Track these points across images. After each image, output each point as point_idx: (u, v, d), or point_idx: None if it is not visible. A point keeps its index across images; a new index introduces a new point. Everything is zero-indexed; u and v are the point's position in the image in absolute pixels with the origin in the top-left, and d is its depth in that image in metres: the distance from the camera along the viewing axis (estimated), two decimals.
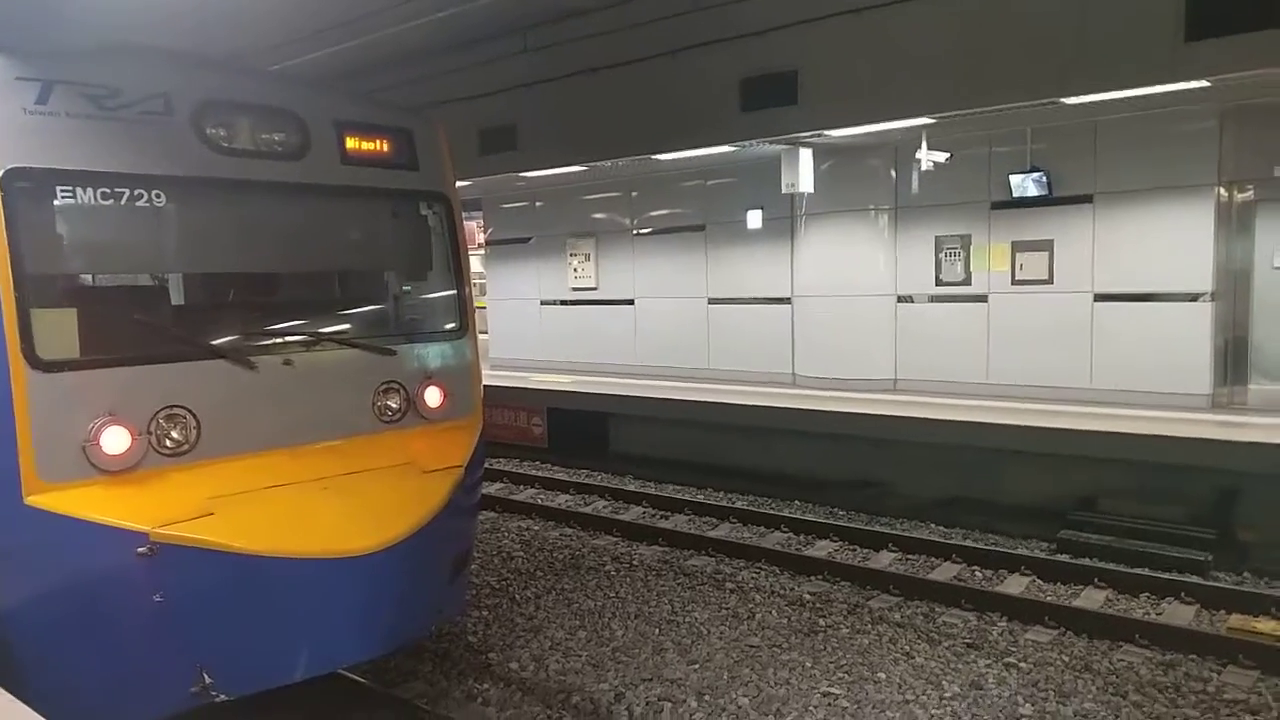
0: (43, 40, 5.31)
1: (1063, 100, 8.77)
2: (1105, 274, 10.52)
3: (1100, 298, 10.57)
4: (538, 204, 16.64)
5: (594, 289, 15.75)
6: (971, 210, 11.40)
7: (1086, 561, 8.39)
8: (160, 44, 5.58)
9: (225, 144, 5.24)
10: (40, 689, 3.15)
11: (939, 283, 11.76)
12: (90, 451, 4.57)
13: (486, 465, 6.88)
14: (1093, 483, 9.16)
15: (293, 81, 7.51)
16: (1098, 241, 10.54)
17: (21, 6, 8.20)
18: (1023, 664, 6.60)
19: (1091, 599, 7.74)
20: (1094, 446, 8.96)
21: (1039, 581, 8.19)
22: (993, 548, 8.96)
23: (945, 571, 8.51)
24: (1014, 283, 11.15)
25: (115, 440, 4.63)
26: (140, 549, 4.47)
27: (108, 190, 4.77)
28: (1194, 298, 10.01)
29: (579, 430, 13.46)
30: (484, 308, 17.50)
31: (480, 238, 18.24)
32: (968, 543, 9.16)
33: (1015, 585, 8.11)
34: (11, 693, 3.15)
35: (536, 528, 10.54)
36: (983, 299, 11.42)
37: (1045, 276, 10.90)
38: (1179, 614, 7.39)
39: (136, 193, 4.87)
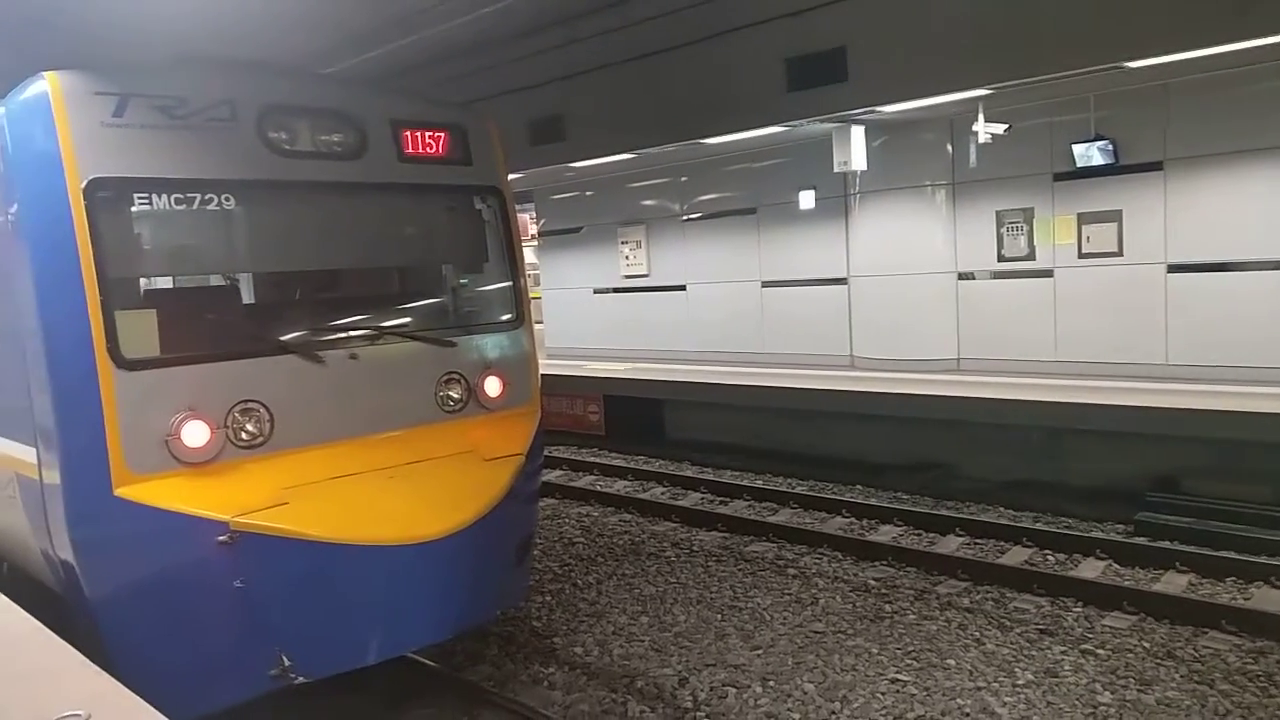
0: (109, 51, 5.49)
1: (1128, 64, 8.47)
2: (1179, 244, 10.15)
3: (1174, 269, 10.21)
4: (588, 193, 16.67)
5: (645, 276, 15.74)
6: (1033, 182, 11.10)
7: (1166, 544, 8.13)
8: (221, 52, 5.72)
9: (287, 147, 5.43)
10: (127, 673, 3.27)
11: (1001, 258, 11.48)
12: (172, 445, 4.78)
13: (546, 453, 6.97)
14: (1171, 462, 8.86)
15: (348, 83, 7.70)
16: (1170, 210, 10.17)
17: (89, 20, 8.44)
18: (1100, 651, 6.43)
19: (1173, 583, 7.49)
20: (1172, 424, 8.66)
21: (1115, 566, 7.97)
22: (1065, 531, 8.74)
23: (1016, 556, 8.33)
24: (1081, 256, 10.82)
25: (195, 434, 4.84)
26: (221, 537, 4.67)
27: (180, 196, 4.99)
28: (1277, 266, 9.58)
29: (636, 417, 13.49)
30: (538, 298, 17.61)
31: (533, 229, 18.34)
32: (1038, 526, 8.95)
33: (1090, 570, 7.91)
34: None
35: (596, 514, 10.59)
36: (1048, 274, 11.12)
37: (1114, 248, 10.55)
38: (1269, 599, 7.09)
39: (207, 197, 5.07)
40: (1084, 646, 6.51)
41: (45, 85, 4.71)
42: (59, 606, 4.94)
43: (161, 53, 5.45)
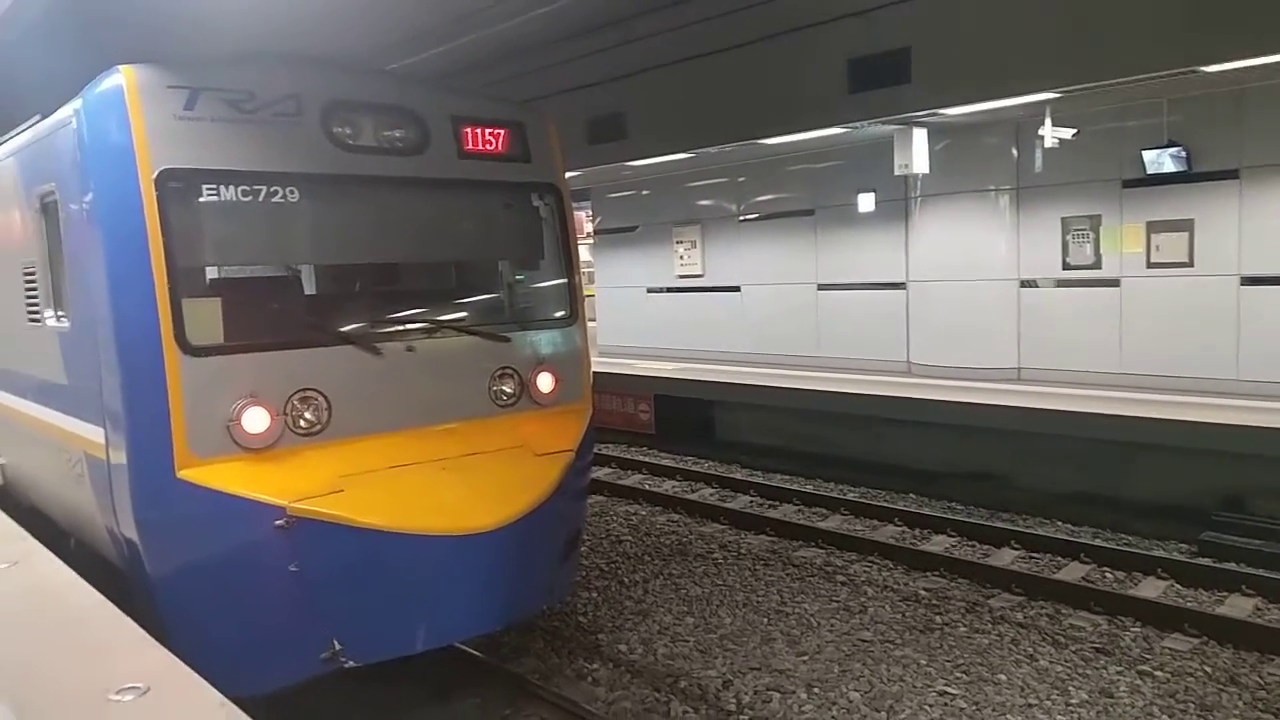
0: (180, 46, 5.66)
1: (1204, 69, 8.21)
2: (1254, 255, 9.79)
3: (1248, 281, 9.85)
4: (644, 192, 16.68)
5: (700, 276, 15.70)
6: (1101, 189, 10.81)
7: (1232, 566, 7.88)
8: (288, 48, 5.85)
9: (351, 141, 5.52)
10: (183, 649, 3.36)
11: (1066, 266, 11.20)
12: (233, 430, 4.90)
13: (595, 450, 6.98)
14: (1239, 481, 8.57)
15: (411, 80, 7.81)
16: (1245, 220, 9.82)
17: (161, 15, 8.67)
18: (1159, 673, 6.25)
19: (1238, 607, 7.25)
20: (1241, 441, 8.36)
21: (1178, 586, 7.73)
22: (1126, 548, 8.50)
23: (1073, 571, 8.13)
24: (1149, 265, 10.51)
25: (256, 420, 4.95)
26: (278, 521, 4.77)
27: (247, 188, 5.10)
28: None
29: (686, 417, 13.47)
30: (592, 296, 17.68)
31: (589, 227, 18.42)
32: (1097, 542, 8.72)
33: (1151, 589, 7.69)
34: None
35: (644, 513, 10.59)
36: (1114, 283, 10.82)
37: (1184, 259, 10.23)
38: None
39: (272, 189, 5.18)
40: (1142, 668, 6.33)
41: (120, 79, 4.85)
42: (122, 582, 5.08)
43: (230, 48, 5.58)
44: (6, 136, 6.71)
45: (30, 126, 6.12)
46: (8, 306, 6.63)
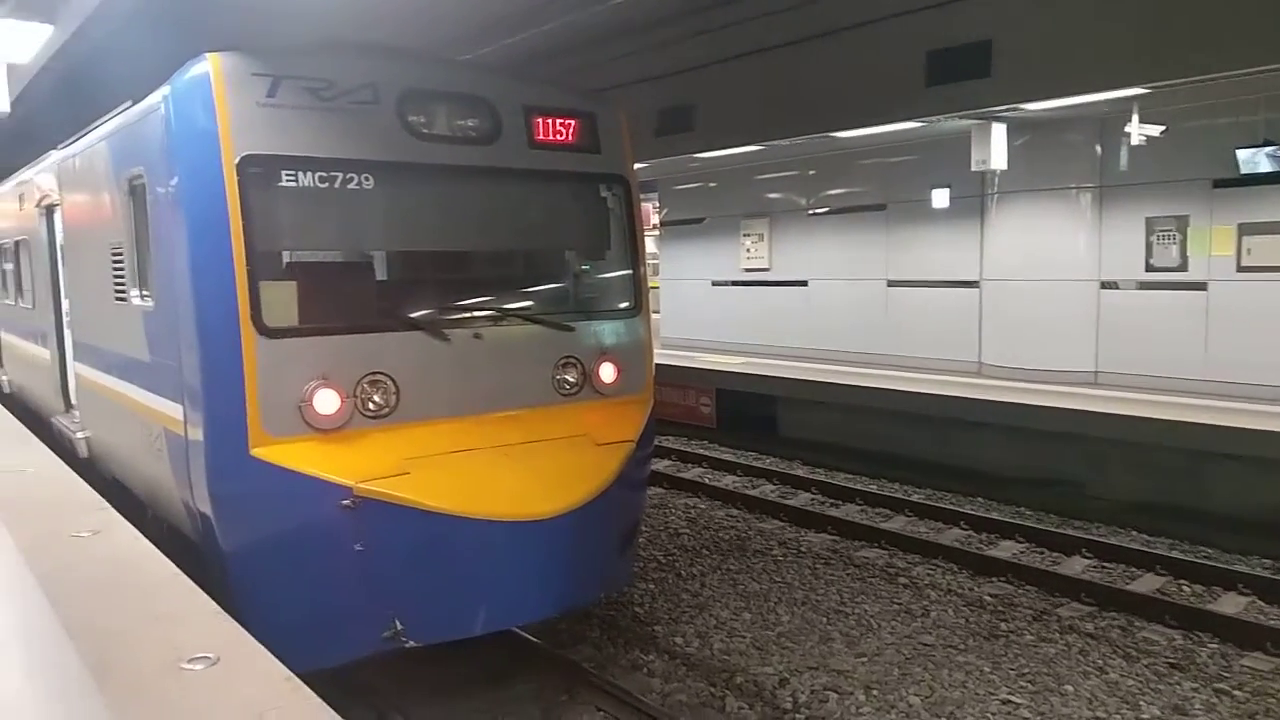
0: (263, 36, 5.77)
1: None
2: None
3: None
4: (711, 184, 16.59)
5: (766, 270, 15.56)
6: (1190, 189, 10.42)
7: None
8: (367, 37, 5.91)
9: (425, 130, 5.58)
10: (251, 622, 3.45)
11: (1149, 268, 10.83)
12: (305, 410, 5.00)
13: (655, 442, 6.97)
14: None
15: (485, 69, 7.87)
16: None
17: (245, 3, 8.89)
18: (1237, 692, 6.02)
19: None
20: None
21: (1259, 602, 7.43)
22: (1204, 561, 8.19)
23: (1147, 583, 7.87)
24: (1239, 269, 10.09)
25: (326, 401, 5.05)
26: (344, 501, 4.86)
27: (324, 174, 5.18)
28: None
29: (748, 412, 13.37)
30: (656, 288, 17.65)
31: (655, 219, 18.39)
32: (1174, 554, 8.43)
33: (1230, 604, 7.40)
34: None
35: (703, 506, 10.55)
36: (1201, 286, 10.43)
37: (1279, 262, 9.80)
38: None
39: (348, 176, 5.25)
40: (1218, 685, 6.10)
41: (207, 66, 4.96)
42: (195, 555, 5.22)
43: (311, 35, 5.66)
44: (99, 122, 6.91)
45: (121, 112, 6.29)
46: (97, 285, 6.85)
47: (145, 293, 5.80)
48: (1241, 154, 9.76)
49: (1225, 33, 7.88)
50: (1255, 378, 9.95)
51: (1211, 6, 7.91)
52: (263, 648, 3.11)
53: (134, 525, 4.81)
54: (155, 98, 5.39)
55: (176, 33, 8.28)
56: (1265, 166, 9.64)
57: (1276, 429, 8.48)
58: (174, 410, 5.27)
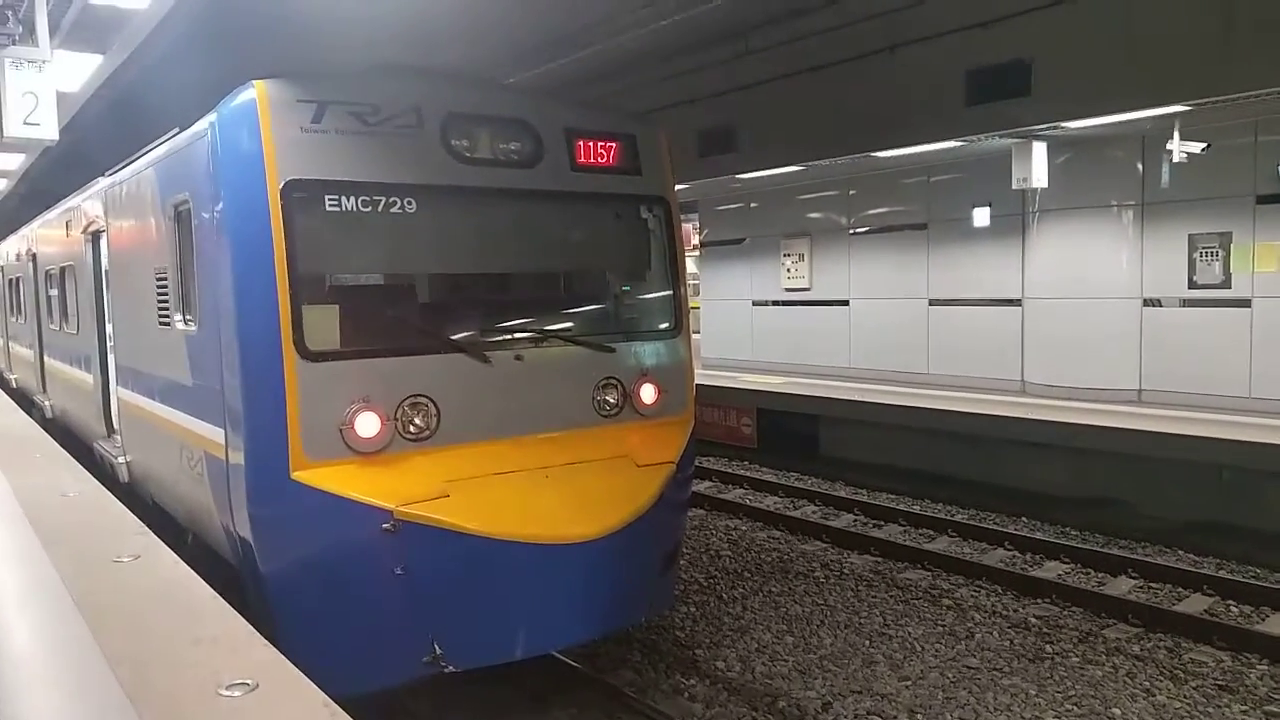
0: (309, 62, 5.89)
1: None
2: None
3: None
4: (752, 205, 16.63)
5: (807, 289, 15.54)
6: (1233, 205, 10.27)
7: None
8: (411, 59, 6.01)
9: (468, 154, 5.63)
10: (290, 647, 3.45)
11: (1192, 285, 10.68)
12: (346, 434, 5.03)
13: (696, 463, 6.95)
14: None
15: (526, 92, 7.92)
16: None
17: (294, 27, 9.14)
18: None
19: None
20: None
21: None
22: (1252, 581, 8.05)
23: (1195, 604, 7.73)
24: None
25: (368, 424, 5.07)
26: (385, 525, 4.87)
27: (367, 199, 5.24)
28: None
29: (789, 432, 13.33)
30: (697, 308, 17.69)
31: (695, 239, 18.46)
32: (1222, 573, 8.28)
33: (1279, 625, 7.24)
34: None
35: (744, 528, 10.53)
36: (1245, 303, 10.26)
37: None
38: None
39: (391, 200, 5.31)
40: (1269, 708, 5.98)
41: (254, 93, 5.04)
42: (234, 579, 5.26)
43: (357, 58, 5.76)
44: (146, 149, 7.02)
45: (168, 139, 6.38)
46: (141, 310, 6.92)
47: (189, 317, 5.84)
48: None
49: (1263, 51, 7.81)
50: None
51: (1249, 26, 7.84)
52: (301, 673, 3.08)
53: (174, 550, 4.78)
54: (202, 124, 5.47)
55: (223, 61, 8.53)
56: None
57: None
58: (215, 434, 5.30)
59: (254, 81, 5.10)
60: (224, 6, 8.38)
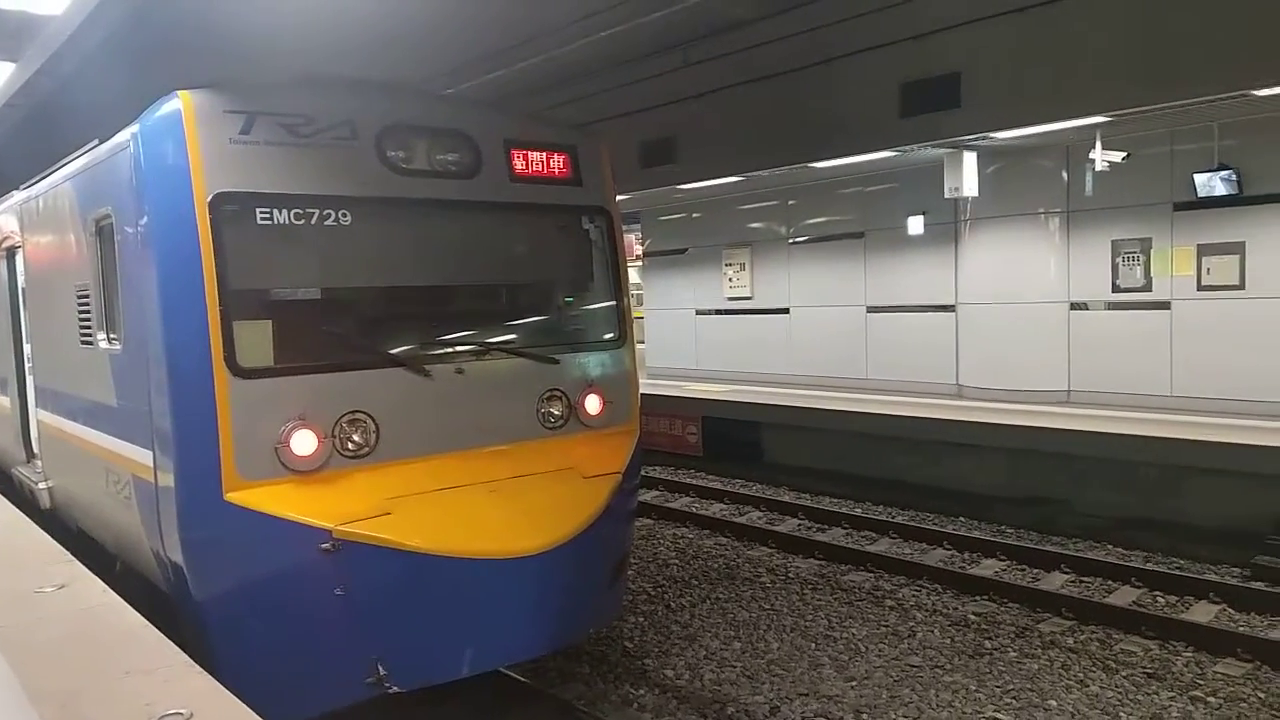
0: (240, 70, 5.78)
1: (1255, 92, 8.10)
2: None
3: None
4: (694, 215, 16.79)
5: (749, 298, 15.73)
6: (1152, 212, 10.70)
7: None
8: (344, 73, 5.94)
9: (404, 165, 5.55)
10: (227, 674, 3.37)
11: (1116, 289, 11.08)
12: (281, 452, 4.91)
13: (643, 472, 6.96)
14: None
15: (465, 104, 7.87)
16: None
17: (220, 40, 8.95)
18: (1211, 699, 6.12)
19: None
20: None
21: (1230, 610, 7.58)
22: (1177, 572, 8.37)
23: (1124, 596, 7.99)
24: (1200, 288, 10.38)
25: (304, 442, 4.95)
26: (324, 545, 4.77)
27: (300, 211, 5.13)
28: None
29: (734, 439, 13.45)
30: (641, 318, 17.78)
31: (638, 249, 18.56)
32: (1149, 566, 8.58)
33: (1203, 613, 7.53)
34: None
35: (691, 536, 10.59)
36: (1165, 305, 10.68)
37: (1236, 281, 10.09)
38: None
39: (325, 213, 5.21)
40: (1194, 693, 6.21)
41: (178, 104, 4.90)
42: (167, 606, 5.10)
43: (289, 71, 5.66)
44: (64, 161, 6.78)
45: (88, 151, 6.18)
46: (61, 329, 6.68)
47: (113, 335, 5.65)
48: (1198, 178, 10.07)
49: (1179, 65, 8.16)
50: (1218, 392, 10.20)
51: (1166, 42, 8.19)
52: (239, 701, 3.01)
53: (101, 578, 4.65)
54: (124, 136, 5.30)
55: (145, 71, 8.27)
56: (1221, 189, 9.94)
57: (1238, 441, 8.68)
58: (144, 456, 5.14)
59: (179, 91, 4.97)
60: (146, 14, 8.09)
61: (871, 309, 13.79)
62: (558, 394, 6.07)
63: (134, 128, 5.18)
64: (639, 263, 18.42)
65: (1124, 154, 10.29)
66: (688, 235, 16.94)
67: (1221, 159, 10.00)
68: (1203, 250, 10.34)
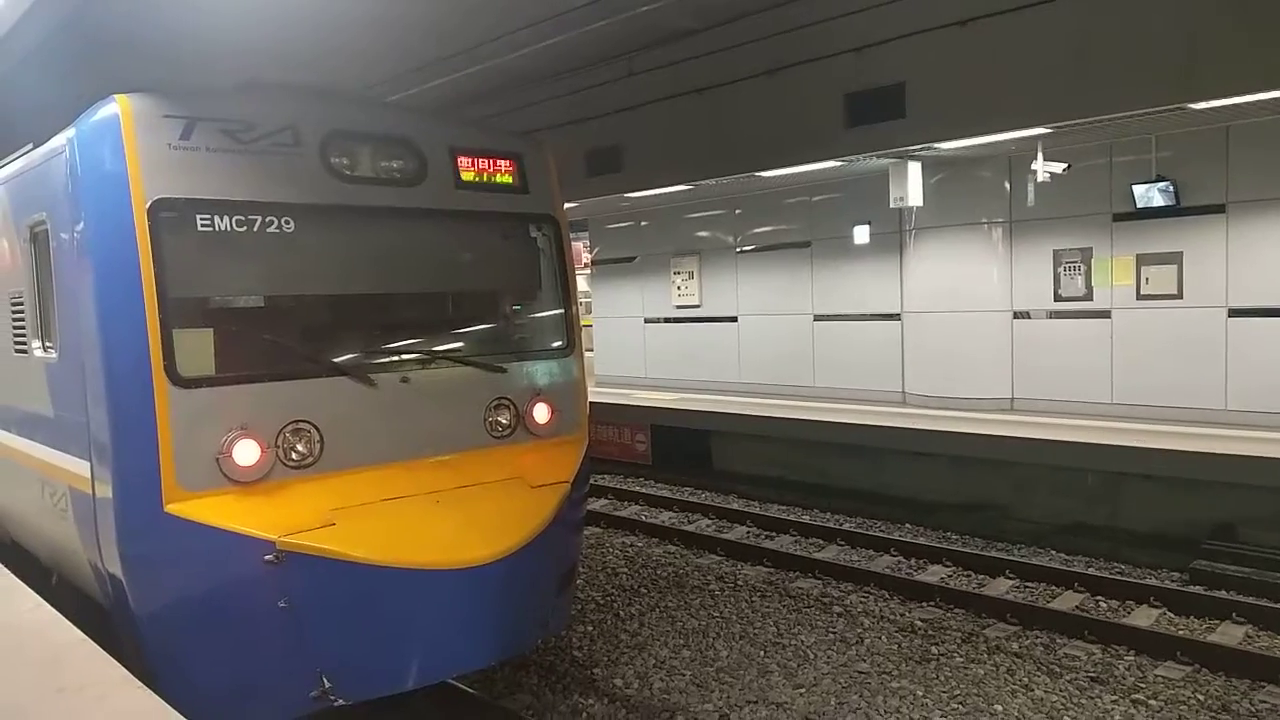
0: (180, 76, 5.65)
1: (1190, 105, 8.35)
2: (1241, 288, 9.93)
3: (1235, 313, 9.97)
4: (642, 223, 16.81)
5: (697, 306, 15.78)
6: (1092, 222, 10.95)
7: (1223, 594, 7.90)
8: (288, 78, 5.85)
9: (348, 172, 5.49)
10: (169, 689, 3.28)
11: (1058, 298, 11.32)
12: (223, 463, 4.81)
13: (591, 481, 6.93)
14: (1230, 510, 8.61)
15: (410, 111, 7.80)
16: (1232, 254, 9.96)
17: (159, 45, 8.76)
18: (1152, 701, 6.25)
19: (1229, 634, 7.27)
20: (1231, 471, 8.43)
21: (1170, 614, 7.76)
22: (1119, 577, 8.53)
23: (1067, 601, 8.14)
24: (1139, 297, 10.64)
25: (246, 453, 4.86)
26: (267, 556, 4.68)
27: (242, 218, 5.05)
28: None
29: (683, 448, 13.47)
30: (589, 326, 17.73)
31: (586, 257, 18.53)
32: (1091, 571, 8.75)
33: (1143, 617, 7.70)
34: None
35: (640, 544, 10.56)
36: (1105, 315, 10.94)
37: (1174, 291, 10.36)
38: None
39: (268, 220, 5.13)
40: (1135, 696, 6.33)
41: (116, 108, 4.81)
42: (106, 620, 4.99)
43: (230, 78, 5.58)
44: None
45: (21, 155, 6.05)
46: None
47: (49, 344, 5.54)
48: (1137, 189, 10.34)
49: (1117, 77, 8.38)
50: (1156, 400, 10.46)
51: (1105, 55, 8.40)
52: (180, 716, 2.95)
53: (37, 592, 4.54)
54: (59, 140, 5.19)
55: (83, 76, 8.09)
56: (1159, 200, 10.21)
57: (1176, 448, 8.90)
58: (80, 467, 5.03)
59: (116, 95, 4.86)
60: (82, 19, 7.89)
61: (818, 317, 13.92)
62: (505, 403, 6.02)
63: (70, 132, 5.07)
64: (587, 270, 18.39)
65: (1065, 165, 10.52)
66: (636, 243, 16.95)
67: (1160, 171, 10.28)
68: (1142, 260, 10.60)
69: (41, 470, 5.73)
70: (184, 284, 4.92)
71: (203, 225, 4.93)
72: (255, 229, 5.09)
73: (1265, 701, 6.19)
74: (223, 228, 4.98)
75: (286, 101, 5.42)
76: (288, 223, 5.20)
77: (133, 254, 4.68)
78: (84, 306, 4.87)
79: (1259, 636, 7.26)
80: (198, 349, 4.90)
